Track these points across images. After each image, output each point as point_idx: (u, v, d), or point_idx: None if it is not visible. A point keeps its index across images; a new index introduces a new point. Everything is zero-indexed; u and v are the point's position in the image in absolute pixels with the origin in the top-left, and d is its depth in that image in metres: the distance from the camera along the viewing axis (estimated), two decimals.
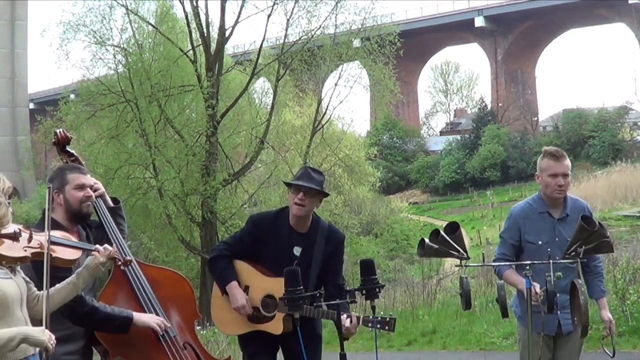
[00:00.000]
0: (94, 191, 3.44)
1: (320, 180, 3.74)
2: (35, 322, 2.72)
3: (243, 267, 3.78)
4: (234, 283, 3.72)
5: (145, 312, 3.30)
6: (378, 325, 3.52)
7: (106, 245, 2.96)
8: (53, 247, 2.77)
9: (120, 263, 3.02)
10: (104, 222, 3.43)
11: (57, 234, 2.90)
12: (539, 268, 3.33)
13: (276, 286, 3.58)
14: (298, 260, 3.71)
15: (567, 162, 3.70)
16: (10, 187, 2.78)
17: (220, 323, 3.92)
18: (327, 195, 3.81)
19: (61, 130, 3.64)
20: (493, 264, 3.82)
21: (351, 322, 3.47)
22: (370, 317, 3.53)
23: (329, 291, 3.68)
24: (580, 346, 3.83)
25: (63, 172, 3.31)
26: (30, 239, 2.72)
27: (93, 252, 2.92)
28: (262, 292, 3.71)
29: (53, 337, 2.60)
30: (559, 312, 3.52)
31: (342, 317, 3.41)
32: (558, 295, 3.42)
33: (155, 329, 3.23)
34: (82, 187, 3.27)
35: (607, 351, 3.78)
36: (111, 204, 3.56)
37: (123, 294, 3.31)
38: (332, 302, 3.63)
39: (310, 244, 3.74)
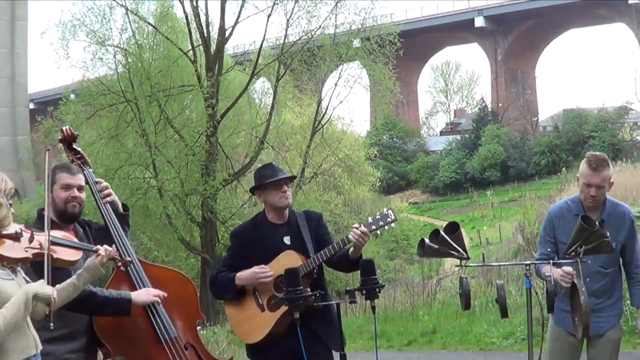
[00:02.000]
0: (105, 197, 3.45)
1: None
2: (35, 322, 2.73)
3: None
4: (238, 273, 3.70)
5: (146, 312, 3.29)
6: (381, 224, 3.62)
7: (106, 246, 2.97)
8: (54, 247, 2.77)
9: (120, 264, 3.02)
10: (108, 223, 3.42)
11: (57, 234, 2.90)
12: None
13: (280, 265, 3.62)
14: (291, 247, 3.75)
15: (606, 172, 3.57)
16: (12, 188, 2.78)
17: (248, 335, 3.77)
18: (295, 177, 3.96)
19: (67, 127, 3.65)
20: (493, 264, 3.85)
21: (358, 229, 3.55)
22: (370, 220, 3.64)
23: None
24: (617, 347, 3.80)
25: (54, 172, 3.32)
26: (31, 240, 2.72)
27: (93, 253, 2.93)
28: (271, 280, 3.71)
29: (55, 291, 2.63)
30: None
31: (350, 235, 3.56)
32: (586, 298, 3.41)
33: (154, 302, 3.25)
34: (68, 187, 3.28)
35: None
36: (121, 210, 3.57)
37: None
38: (328, 303, 3.64)
39: (296, 228, 3.80)
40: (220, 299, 3.97)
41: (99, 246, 2.96)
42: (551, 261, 3.32)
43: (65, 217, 3.31)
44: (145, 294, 3.24)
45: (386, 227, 3.65)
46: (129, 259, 3.10)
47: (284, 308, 3.59)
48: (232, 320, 3.83)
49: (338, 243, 3.61)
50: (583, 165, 3.64)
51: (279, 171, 3.82)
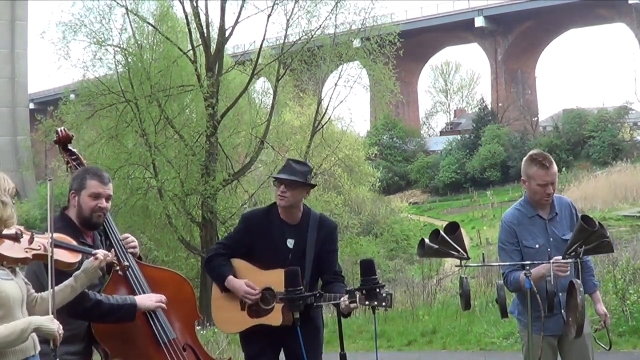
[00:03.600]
0: (129, 247, 3.42)
1: (303, 171, 3.74)
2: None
3: (240, 265, 3.78)
4: (231, 277, 3.71)
5: (144, 314, 3.30)
6: (375, 303, 3.46)
7: (104, 251, 2.97)
8: (55, 249, 2.76)
9: (118, 268, 3.03)
10: (107, 229, 3.43)
11: (58, 236, 2.90)
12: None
13: (273, 278, 3.60)
14: (292, 251, 3.73)
15: (555, 168, 3.65)
16: (14, 188, 2.78)
17: (221, 323, 3.91)
18: (312, 186, 3.82)
19: (62, 129, 3.64)
20: (493, 264, 3.83)
21: (350, 304, 3.42)
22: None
23: (325, 279, 3.75)
24: (590, 339, 3.77)
25: (85, 176, 3.30)
26: (31, 241, 2.72)
27: (91, 256, 2.93)
28: (260, 286, 3.70)
29: (61, 326, 2.62)
30: (563, 311, 3.52)
31: (340, 306, 3.42)
32: (561, 294, 3.42)
33: (158, 308, 3.25)
34: (97, 196, 3.26)
35: (602, 345, 3.77)
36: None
37: (122, 294, 3.31)
38: (328, 303, 3.63)
39: (303, 235, 3.75)
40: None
41: (98, 250, 2.96)
42: (551, 261, 3.31)
43: (89, 225, 3.29)
44: (148, 300, 3.24)
45: (379, 308, 3.43)
46: (126, 263, 3.11)
47: (261, 318, 3.63)
48: (215, 302, 3.84)
49: (333, 297, 3.50)
50: (532, 168, 3.62)
51: (289, 171, 3.74)
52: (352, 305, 3.42)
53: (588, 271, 3.79)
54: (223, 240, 4.04)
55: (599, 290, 3.94)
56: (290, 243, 3.75)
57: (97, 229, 3.38)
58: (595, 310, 3.79)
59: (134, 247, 3.45)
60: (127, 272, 3.30)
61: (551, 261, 3.33)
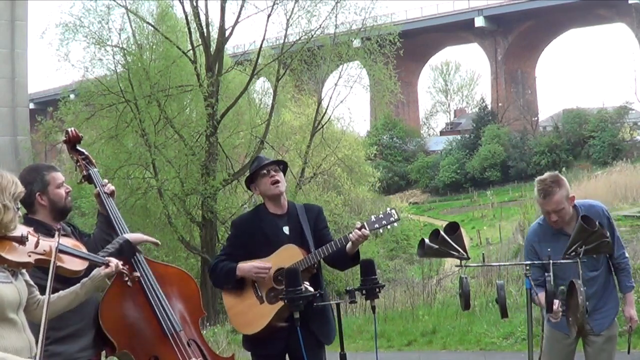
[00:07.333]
0: (108, 191, 3.52)
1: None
2: (35, 326, 2.69)
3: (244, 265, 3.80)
4: (239, 264, 3.71)
5: (152, 308, 3.33)
6: (384, 222, 3.61)
7: (116, 261, 2.97)
8: (61, 255, 2.73)
9: (127, 279, 3.01)
10: (114, 220, 3.47)
11: (67, 242, 2.87)
12: (568, 274, 3.35)
13: (280, 258, 3.65)
14: (290, 237, 3.76)
15: (557, 196, 3.53)
16: (22, 192, 2.72)
17: (246, 326, 3.78)
18: (286, 165, 3.96)
19: (73, 129, 3.69)
20: (493, 264, 3.83)
21: (360, 230, 3.54)
22: (372, 219, 3.64)
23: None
24: (614, 343, 3.81)
25: (41, 174, 3.30)
26: (37, 245, 2.67)
27: (100, 265, 2.90)
28: (271, 272, 3.71)
29: None
30: (587, 315, 3.52)
31: (350, 235, 3.56)
32: (587, 302, 3.41)
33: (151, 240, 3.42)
34: (62, 184, 3.33)
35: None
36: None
37: (131, 288, 3.31)
38: (329, 303, 3.64)
39: (295, 219, 3.81)
40: (219, 287, 3.97)
41: (109, 258, 2.95)
42: (550, 260, 3.31)
43: (65, 212, 3.35)
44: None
45: (388, 227, 3.63)
46: (136, 274, 3.10)
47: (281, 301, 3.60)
48: (231, 310, 3.82)
49: (340, 240, 3.61)
50: (535, 192, 3.62)
51: (264, 159, 3.86)
52: (364, 231, 3.52)
53: (623, 272, 3.79)
54: (221, 251, 4.04)
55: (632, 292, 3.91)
56: (286, 230, 3.78)
57: (69, 213, 3.43)
58: (623, 312, 3.79)
59: (111, 189, 3.56)
60: (136, 265, 3.34)
61: (551, 261, 3.33)
